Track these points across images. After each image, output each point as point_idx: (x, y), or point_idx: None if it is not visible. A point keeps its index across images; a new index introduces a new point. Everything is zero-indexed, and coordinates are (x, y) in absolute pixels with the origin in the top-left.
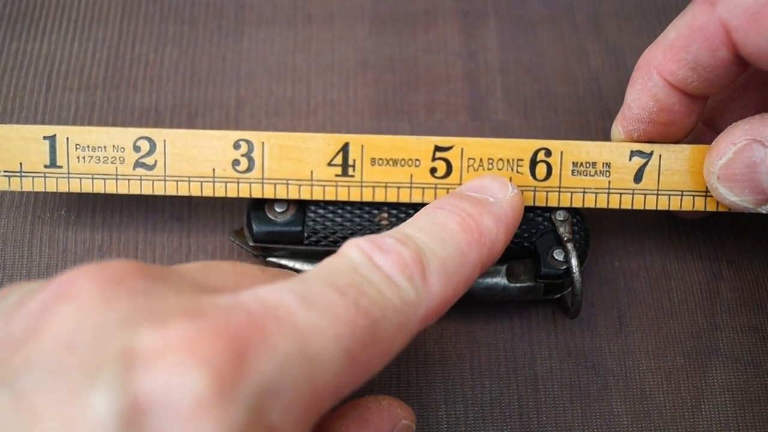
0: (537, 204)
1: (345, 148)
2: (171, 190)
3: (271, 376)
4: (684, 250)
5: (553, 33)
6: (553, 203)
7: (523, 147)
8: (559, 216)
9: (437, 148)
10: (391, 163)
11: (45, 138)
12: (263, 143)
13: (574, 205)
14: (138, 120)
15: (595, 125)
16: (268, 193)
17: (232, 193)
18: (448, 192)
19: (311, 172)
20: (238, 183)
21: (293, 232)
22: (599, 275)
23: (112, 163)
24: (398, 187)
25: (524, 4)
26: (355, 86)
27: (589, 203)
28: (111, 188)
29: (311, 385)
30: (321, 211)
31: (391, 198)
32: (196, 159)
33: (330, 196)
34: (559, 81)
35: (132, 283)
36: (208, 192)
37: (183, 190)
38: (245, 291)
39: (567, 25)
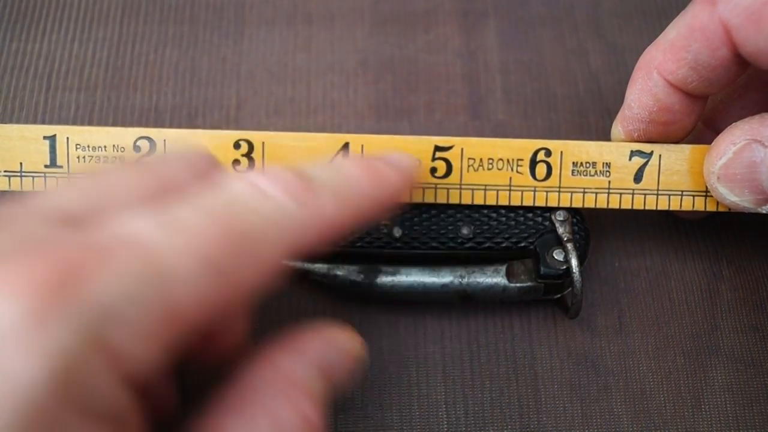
0: (537, 204)
1: (345, 148)
2: None
3: (109, 297)
4: (684, 250)
5: (553, 33)
6: (553, 203)
7: (523, 147)
8: (559, 216)
9: (437, 148)
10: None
11: (45, 138)
12: (263, 143)
13: (574, 205)
14: (138, 120)
15: (595, 125)
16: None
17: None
18: (448, 192)
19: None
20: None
21: None
22: (599, 275)
23: (112, 162)
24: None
25: (524, 4)
26: (355, 86)
27: (589, 203)
28: None
29: (164, 303)
30: None
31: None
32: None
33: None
34: (559, 81)
35: None
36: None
37: None
38: (106, 221)
39: (567, 25)
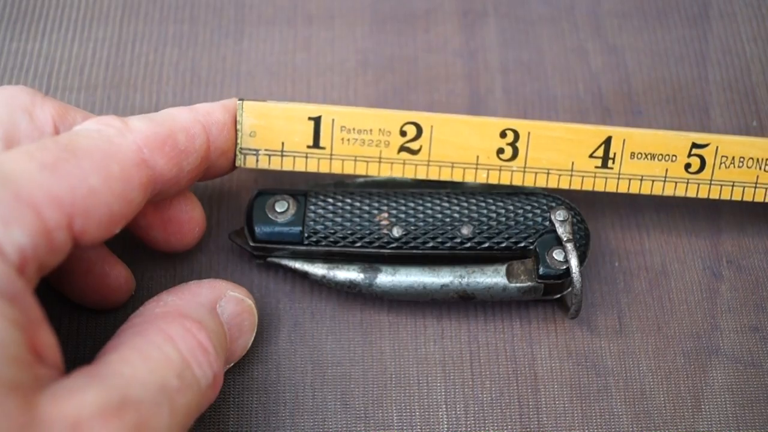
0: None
1: (607, 141)
2: (433, 175)
3: None
4: (684, 250)
5: (553, 33)
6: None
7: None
8: (559, 216)
9: (694, 145)
10: (648, 157)
11: (310, 119)
12: (529, 133)
13: (732, 197)
14: None
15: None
16: (528, 181)
17: (493, 179)
18: (698, 188)
19: (572, 162)
20: (500, 170)
21: (293, 232)
22: (599, 275)
23: (376, 146)
24: (653, 181)
25: (524, 3)
26: (355, 86)
27: (748, 197)
28: (373, 170)
29: (6, 188)
30: (321, 211)
31: (645, 191)
32: (461, 145)
33: (587, 187)
34: (559, 81)
35: None
36: (469, 178)
37: (445, 175)
38: None
39: (567, 25)
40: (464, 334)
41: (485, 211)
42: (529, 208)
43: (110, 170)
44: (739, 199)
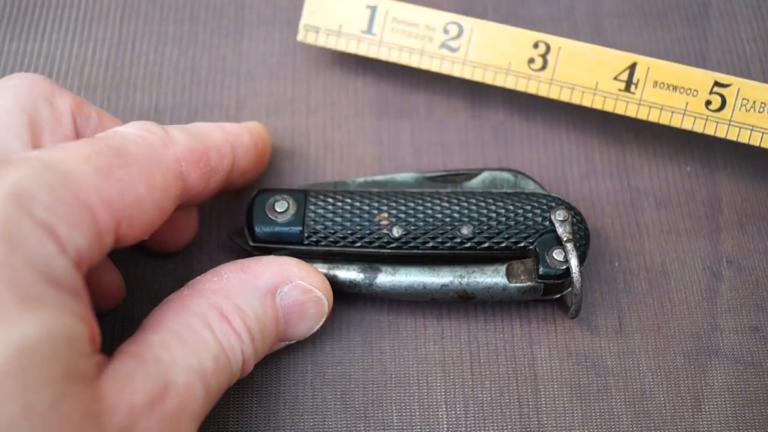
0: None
1: (632, 67)
2: (467, 74)
3: (21, 183)
4: (684, 250)
5: (553, 33)
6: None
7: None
8: (559, 216)
9: (716, 83)
10: (671, 88)
11: (367, 7)
12: (560, 48)
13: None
14: (138, 119)
15: (596, 125)
16: (554, 94)
17: (521, 87)
18: (716, 126)
19: (597, 82)
20: (528, 79)
21: (293, 232)
22: (599, 275)
23: (421, 39)
24: (672, 112)
25: (524, 3)
26: (355, 86)
27: (766, 144)
28: (415, 62)
29: (68, 189)
30: (321, 211)
31: (664, 121)
32: (496, 51)
33: (609, 108)
34: None
35: None
36: (500, 82)
37: (478, 76)
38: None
39: (567, 25)
40: (464, 334)
41: (485, 212)
42: (528, 207)
43: (154, 180)
44: (758, 144)
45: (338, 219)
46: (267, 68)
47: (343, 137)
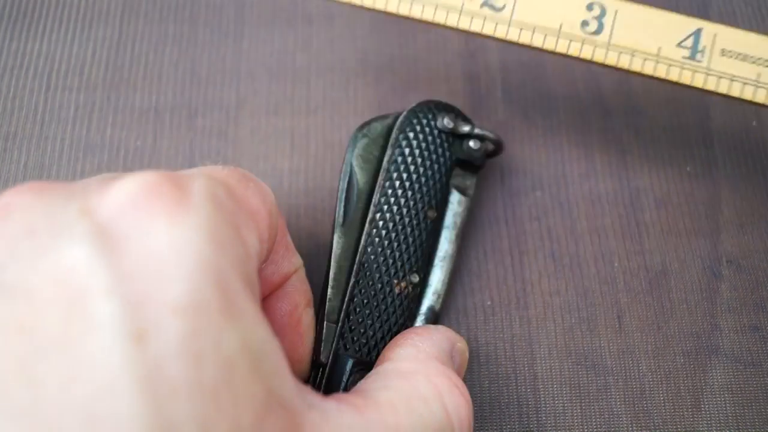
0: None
1: (697, 33)
2: (513, 36)
3: (209, 187)
4: (684, 250)
5: None
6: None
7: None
8: (444, 121)
9: None
10: (740, 57)
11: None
12: (616, 11)
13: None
14: (138, 120)
15: (596, 125)
16: (611, 61)
17: (574, 53)
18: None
19: (659, 48)
20: (582, 43)
21: None
22: (599, 275)
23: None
24: (744, 83)
25: None
26: (355, 86)
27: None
28: (452, 21)
29: (234, 195)
30: None
31: (734, 93)
32: (546, 11)
33: (673, 77)
34: (559, 81)
35: (54, 185)
36: (549, 46)
37: (525, 39)
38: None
39: None
40: (464, 333)
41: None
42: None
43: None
44: None
45: None
46: (267, 68)
47: (343, 137)
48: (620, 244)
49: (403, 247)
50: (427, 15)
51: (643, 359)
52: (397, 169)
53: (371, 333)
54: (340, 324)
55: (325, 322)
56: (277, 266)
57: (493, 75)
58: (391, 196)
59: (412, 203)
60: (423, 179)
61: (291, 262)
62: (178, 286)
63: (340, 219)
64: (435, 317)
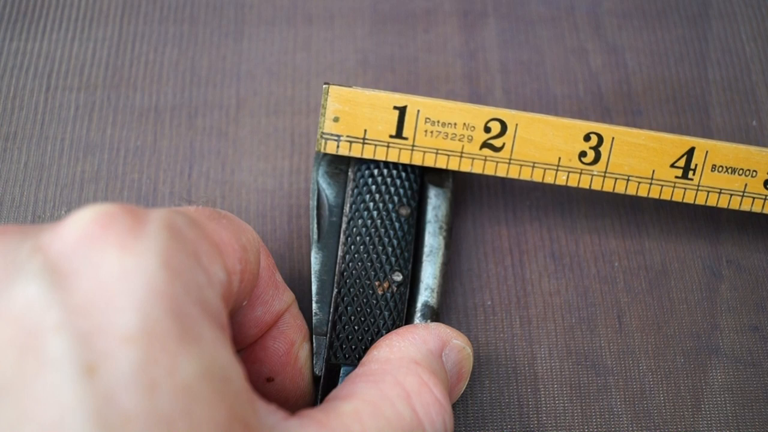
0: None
1: (690, 152)
2: (513, 173)
3: (168, 217)
4: (684, 250)
5: (553, 33)
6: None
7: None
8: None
9: None
10: (729, 170)
11: (395, 108)
12: (613, 138)
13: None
14: (138, 119)
15: None
16: (608, 187)
17: (573, 183)
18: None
19: (653, 171)
20: (580, 174)
21: None
22: (599, 275)
23: (459, 140)
24: (731, 195)
25: (524, 4)
26: (355, 86)
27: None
28: (454, 165)
29: (198, 226)
30: None
31: (722, 204)
32: (544, 146)
33: (665, 197)
34: (559, 81)
35: (8, 226)
36: (549, 179)
37: (525, 175)
38: None
39: (567, 25)
40: (464, 333)
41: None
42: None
43: (247, 235)
44: None
45: None
46: (267, 68)
47: None
48: (620, 244)
49: (380, 248)
50: (429, 161)
51: (643, 359)
52: (363, 175)
53: (360, 337)
54: (328, 335)
55: (314, 336)
56: (267, 306)
57: (493, 75)
58: (360, 202)
59: (381, 205)
60: (389, 179)
61: (281, 300)
62: (127, 316)
63: (314, 236)
64: (433, 313)
